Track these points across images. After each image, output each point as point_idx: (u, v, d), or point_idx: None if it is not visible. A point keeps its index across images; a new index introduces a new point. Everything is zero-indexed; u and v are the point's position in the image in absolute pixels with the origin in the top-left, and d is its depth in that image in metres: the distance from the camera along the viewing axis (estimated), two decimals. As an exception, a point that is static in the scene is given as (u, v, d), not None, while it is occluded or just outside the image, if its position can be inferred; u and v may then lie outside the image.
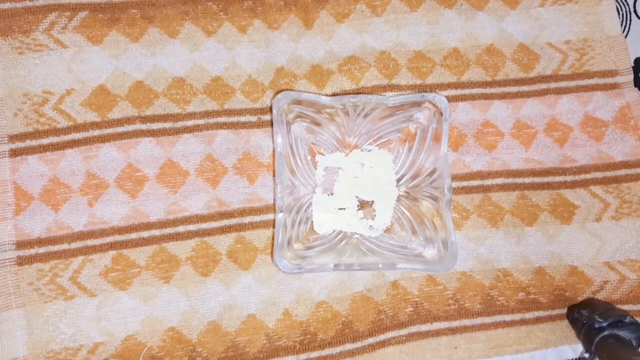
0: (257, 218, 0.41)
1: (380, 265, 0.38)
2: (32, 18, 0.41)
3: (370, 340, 0.41)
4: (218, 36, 0.43)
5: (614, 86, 0.46)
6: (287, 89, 0.43)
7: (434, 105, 0.39)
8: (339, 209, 0.42)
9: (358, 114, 0.40)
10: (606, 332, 0.38)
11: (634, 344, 0.37)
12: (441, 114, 0.39)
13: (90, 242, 0.40)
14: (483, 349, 0.41)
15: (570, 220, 0.43)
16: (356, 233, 0.42)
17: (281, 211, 0.38)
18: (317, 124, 0.41)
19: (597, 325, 0.38)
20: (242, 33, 0.43)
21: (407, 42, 0.45)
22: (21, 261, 0.39)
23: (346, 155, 0.43)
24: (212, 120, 0.42)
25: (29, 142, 0.40)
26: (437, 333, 0.41)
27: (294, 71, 0.43)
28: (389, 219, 0.42)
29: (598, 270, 0.43)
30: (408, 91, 0.44)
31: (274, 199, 0.41)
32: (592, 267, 0.43)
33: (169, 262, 0.40)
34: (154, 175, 0.41)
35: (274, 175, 0.42)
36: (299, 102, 0.39)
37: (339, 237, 0.42)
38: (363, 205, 0.42)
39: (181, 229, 0.41)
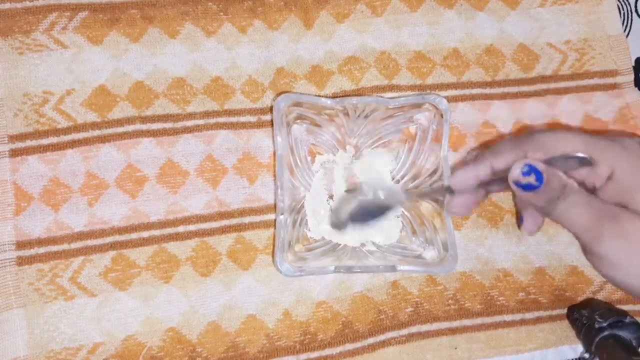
0: (257, 218, 0.41)
1: (380, 268, 0.38)
2: (32, 18, 0.41)
3: (371, 340, 0.41)
4: (218, 36, 0.43)
5: (614, 86, 0.45)
6: (287, 90, 0.43)
7: (434, 106, 0.39)
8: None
9: (358, 115, 0.40)
10: (606, 332, 0.38)
11: (634, 344, 0.37)
12: (441, 115, 0.39)
13: (90, 242, 0.40)
14: (483, 349, 0.41)
15: (570, 220, 0.43)
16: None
17: (282, 213, 0.38)
18: (317, 125, 0.41)
19: (597, 326, 0.38)
20: (242, 33, 0.43)
21: (407, 42, 0.45)
22: (21, 261, 0.39)
23: (346, 155, 0.43)
24: (212, 121, 0.42)
25: (29, 143, 0.40)
26: (437, 333, 0.41)
27: (294, 71, 0.43)
28: (389, 220, 0.42)
29: (598, 270, 0.43)
30: (408, 91, 0.44)
31: (275, 200, 0.41)
32: (592, 267, 0.43)
33: (169, 262, 0.40)
34: (154, 176, 0.41)
35: (274, 176, 0.42)
36: (298, 104, 0.39)
37: (339, 238, 0.42)
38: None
39: (181, 229, 0.41)
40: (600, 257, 0.31)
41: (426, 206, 0.41)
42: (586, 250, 0.33)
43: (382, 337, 0.41)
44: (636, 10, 0.47)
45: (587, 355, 0.39)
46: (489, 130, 0.44)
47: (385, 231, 0.42)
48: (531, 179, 0.31)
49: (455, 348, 0.41)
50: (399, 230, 0.42)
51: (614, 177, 0.32)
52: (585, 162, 0.32)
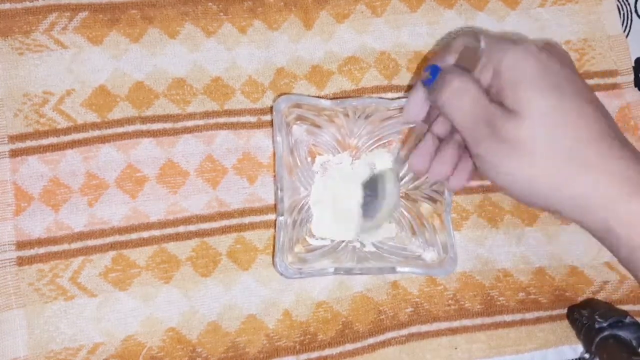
0: (257, 218, 0.41)
1: (380, 269, 0.38)
2: (32, 19, 0.41)
3: (371, 340, 0.41)
4: (218, 36, 0.43)
5: (614, 86, 0.45)
6: (287, 90, 0.43)
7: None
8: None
9: (358, 116, 0.40)
10: (606, 333, 0.38)
11: (634, 345, 0.37)
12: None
13: (90, 243, 0.40)
14: (483, 349, 0.41)
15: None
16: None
17: (281, 214, 0.38)
18: (317, 126, 0.41)
19: (597, 326, 0.38)
20: (242, 33, 0.43)
21: (407, 42, 0.44)
22: (21, 261, 0.39)
23: (346, 155, 0.43)
24: (212, 121, 0.42)
25: (29, 143, 0.40)
26: (437, 333, 0.41)
27: (294, 72, 0.43)
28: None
29: (598, 270, 0.43)
30: (408, 92, 0.44)
31: (275, 200, 0.41)
32: (592, 267, 0.43)
33: (169, 262, 0.40)
34: (154, 176, 0.41)
35: (274, 176, 0.42)
36: (298, 105, 0.39)
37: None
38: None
39: (181, 229, 0.41)
40: (478, 158, 0.31)
41: (426, 207, 0.41)
42: (467, 148, 0.32)
43: (382, 337, 0.41)
44: (636, 11, 0.47)
45: (587, 355, 0.39)
46: (489, 131, 0.44)
47: (384, 230, 0.42)
48: (427, 74, 0.33)
49: (455, 348, 0.41)
50: (394, 229, 0.42)
51: (498, 69, 0.30)
52: (478, 50, 0.31)
